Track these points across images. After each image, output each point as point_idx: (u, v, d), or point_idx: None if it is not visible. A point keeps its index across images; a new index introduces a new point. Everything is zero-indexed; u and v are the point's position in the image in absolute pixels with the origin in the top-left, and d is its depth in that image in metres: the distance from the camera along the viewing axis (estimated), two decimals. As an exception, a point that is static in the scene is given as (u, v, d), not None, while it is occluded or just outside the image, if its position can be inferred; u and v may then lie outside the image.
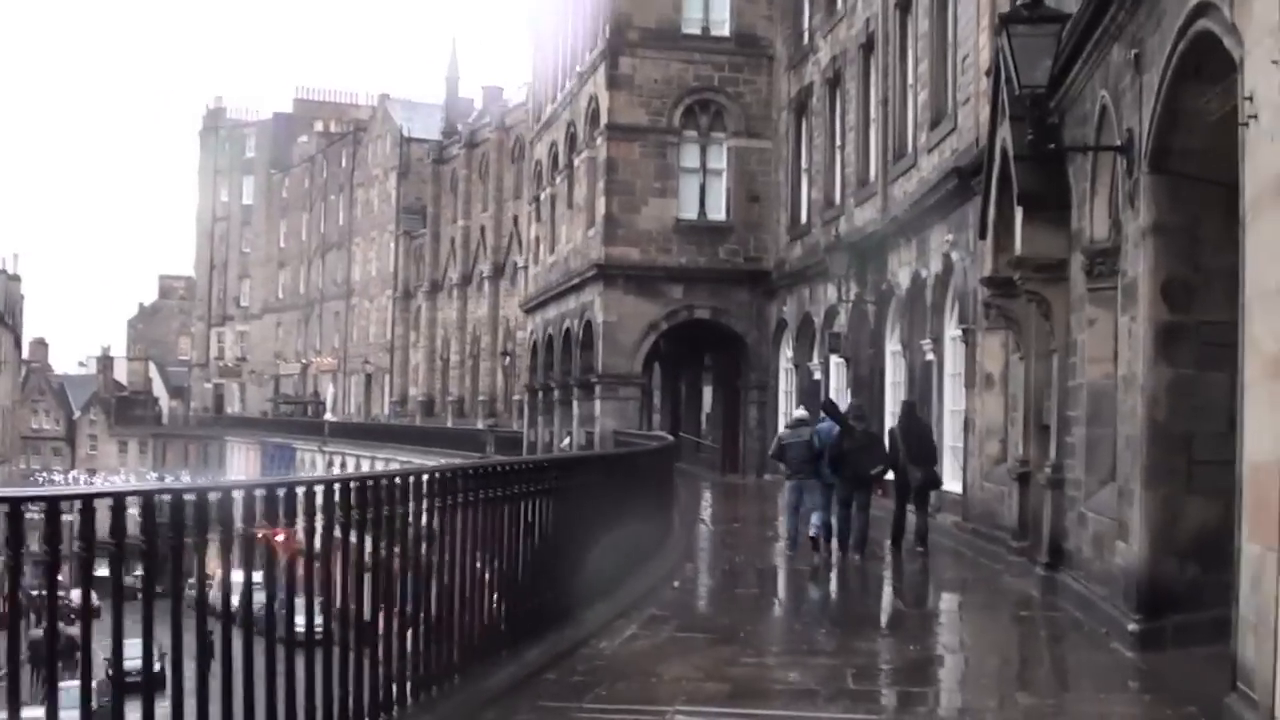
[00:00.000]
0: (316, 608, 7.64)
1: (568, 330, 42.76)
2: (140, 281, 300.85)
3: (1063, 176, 14.93)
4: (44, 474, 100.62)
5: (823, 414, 19.97)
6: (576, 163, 41.93)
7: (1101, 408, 13.60)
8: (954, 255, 22.46)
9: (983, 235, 17.98)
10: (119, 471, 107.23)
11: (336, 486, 7.41)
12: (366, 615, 7.88)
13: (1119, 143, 12.19)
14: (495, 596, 9.87)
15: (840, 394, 30.30)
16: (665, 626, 12.54)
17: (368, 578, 7.97)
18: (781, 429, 21.40)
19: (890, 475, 19.56)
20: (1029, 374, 17.10)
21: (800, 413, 21.06)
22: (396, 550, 8.24)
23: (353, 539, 7.64)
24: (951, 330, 23.16)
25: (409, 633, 8.25)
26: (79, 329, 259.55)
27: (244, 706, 6.49)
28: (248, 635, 6.71)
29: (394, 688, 7.89)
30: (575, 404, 41.59)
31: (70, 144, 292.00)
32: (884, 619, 14.60)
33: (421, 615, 8.61)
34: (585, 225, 40.45)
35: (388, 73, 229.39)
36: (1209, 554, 10.64)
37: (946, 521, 22.17)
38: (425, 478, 8.52)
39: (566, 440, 42.07)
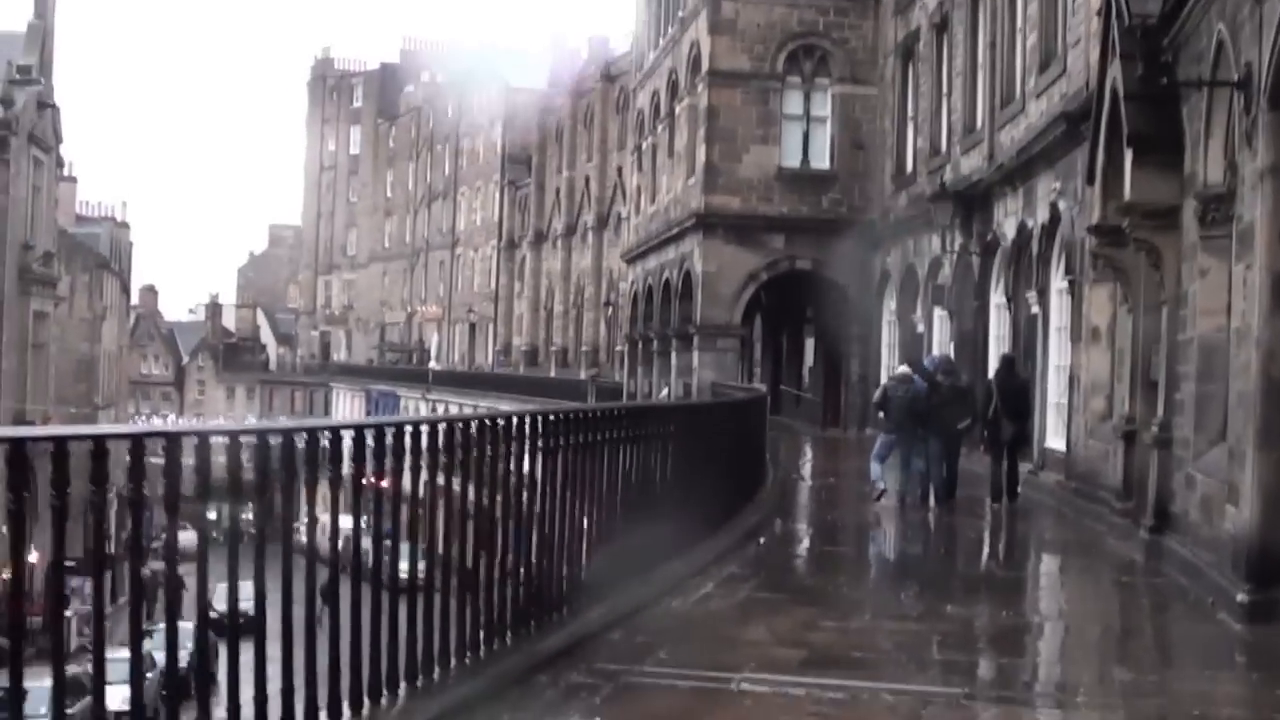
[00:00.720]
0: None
1: (667, 281, 42.17)
2: (251, 230, 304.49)
3: (1175, 118, 14.09)
4: (141, 416, 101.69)
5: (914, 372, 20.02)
6: (678, 110, 41.19)
7: (1213, 363, 12.82)
8: (1061, 204, 21.56)
9: (1090, 181, 17.12)
10: (225, 416, 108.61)
11: (369, 432, 6.95)
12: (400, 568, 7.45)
13: (1236, 78, 11.36)
14: (558, 548, 9.36)
15: (943, 348, 29.57)
16: (744, 586, 11.96)
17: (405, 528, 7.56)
18: (886, 379, 21.47)
19: (984, 430, 19.59)
20: (1137, 327, 16.27)
21: (904, 369, 20.66)
22: (440, 500, 7.78)
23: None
24: (1058, 282, 22.29)
25: (445, 588, 7.74)
26: (192, 277, 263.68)
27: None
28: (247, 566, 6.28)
29: (433, 648, 7.39)
30: (674, 355, 41.03)
31: (184, 95, 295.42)
32: (979, 581, 13.89)
33: (463, 568, 8.14)
34: (685, 174, 39.77)
35: (495, 22, 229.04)
36: (1327, 521, 9.89)
37: (1049, 480, 21.42)
38: (474, 425, 8.00)
39: (665, 391, 41.56)
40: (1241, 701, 8.67)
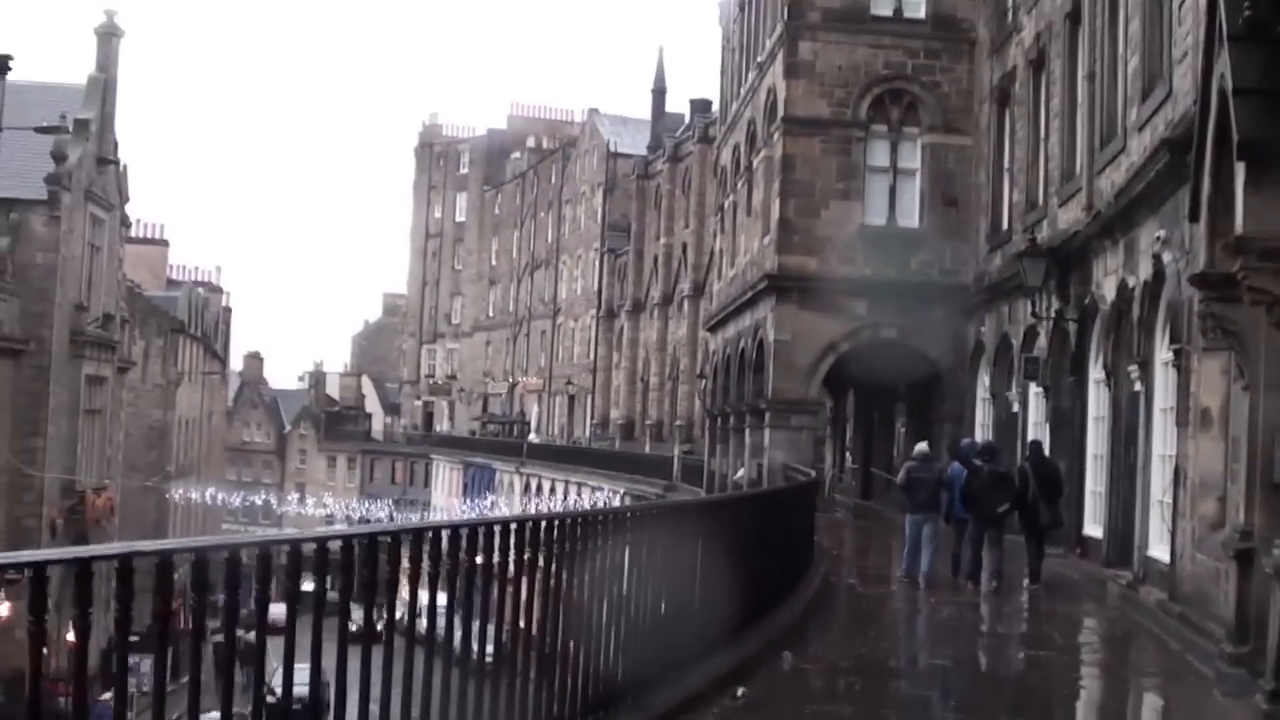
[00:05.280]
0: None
1: (743, 350, 38.39)
2: (366, 298, 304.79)
3: (1306, 118, 10.17)
4: (239, 484, 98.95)
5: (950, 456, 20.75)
6: (755, 164, 37.54)
7: (1360, 465, 8.82)
8: (1166, 256, 17.50)
9: (1194, 217, 13.13)
10: (327, 487, 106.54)
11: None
12: None
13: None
14: None
15: (1039, 428, 25.64)
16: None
17: None
18: (909, 461, 21.12)
19: (1021, 515, 20.07)
20: (1256, 410, 12.12)
21: (923, 446, 21.20)
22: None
23: None
24: (1162, 353, 18.18)
25: None
26: (306, 345, 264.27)
27: None
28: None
29: None
30: (748, 433, 37.14)
31: (296, 163, 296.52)
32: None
33: None
34: (761, 233, 36.04)
35: (600, 87, 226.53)
36: None
37: (1150, 598, 17.25)
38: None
39: (740, 473, 37.80)
40: None
